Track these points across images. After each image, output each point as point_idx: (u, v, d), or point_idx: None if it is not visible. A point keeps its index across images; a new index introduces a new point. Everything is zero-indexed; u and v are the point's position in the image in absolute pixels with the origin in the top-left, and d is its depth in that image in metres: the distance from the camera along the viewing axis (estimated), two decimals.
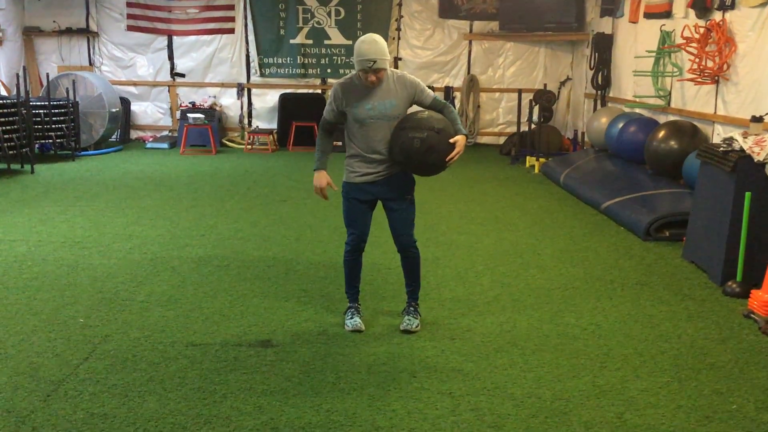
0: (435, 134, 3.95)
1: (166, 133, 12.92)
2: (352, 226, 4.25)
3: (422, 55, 12.70)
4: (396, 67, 12.69)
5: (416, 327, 4.22)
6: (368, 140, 4.09)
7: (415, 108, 4.21)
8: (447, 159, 4.00)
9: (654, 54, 8.72)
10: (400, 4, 12.58)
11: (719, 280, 5.14)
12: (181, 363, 3.75)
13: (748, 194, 4.88)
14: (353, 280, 4.38)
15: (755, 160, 4.96)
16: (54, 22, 12.51)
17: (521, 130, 11.48)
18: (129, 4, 12.53)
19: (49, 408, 3.25)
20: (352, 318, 4.29)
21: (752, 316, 4.49)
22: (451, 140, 4.00)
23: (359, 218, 4.21)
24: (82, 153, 10.99)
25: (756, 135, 5.21)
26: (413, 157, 3.96)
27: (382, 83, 4.05)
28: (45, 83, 11.01)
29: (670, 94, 8.54)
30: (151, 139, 12.60)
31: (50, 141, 10.31)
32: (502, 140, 12.70)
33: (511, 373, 3.69)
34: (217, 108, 12.60)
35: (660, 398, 3.44)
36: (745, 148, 5.06)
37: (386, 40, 12.43)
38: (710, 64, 7.28)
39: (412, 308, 4.32)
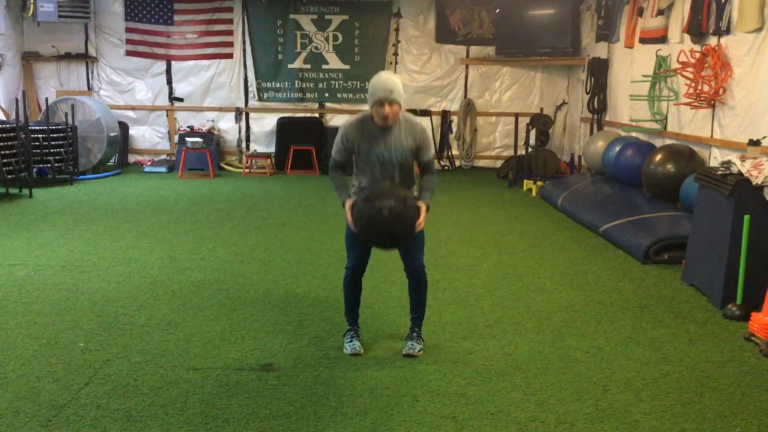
0: (401, 202, 3.90)
1: (164, 157, 12.94)
2: (353, 251, 4.25)
3: (419, 79, 12.79)
4: None
5: (418, 351, 4.21)
6: (377, 178, 4.12)
7: None
8: (416, 225, 3.94)
9: (650, 78, 8.80)
10: (397, 29, 12.70)
11: (719, 303, 5.14)
12: (182, 387, 3.73)
13: (746, 217, 4.91)
14: (353, 304, 4.37)
15: (753, 183, 4.99)
16: (53, 47, 12.57)
17: (518, 154, 11.54)
18: (128, 30, 12.61)
19: None
20: (351, 341, 4.28)
21: (753, 338, 4.50)
22: (418, 203, 4.02)
23: (360, 244, 4.21)
24: (81, 177, 11.00)
25: (754, 158, 5.25)
26: (383, 228, 3.85)
27: (393, 128, 4.08)
28: (44, 108, 11.04)
29: (666, 118, 8.60)
30: (149, 163, 12.62)
31: (48, 165, 10.32)
32: (499, 164, 12.76)
33: (514, 396, 3.68)
34: (216, 132, 12.63)
35: (664, 422, 3.44)
36: (743, 172, 5.09)
37: (383, 64, 12.65)
38: (706, 88, 7.34)
39: (415, 334, 4.31)
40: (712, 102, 7.31)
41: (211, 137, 12.17)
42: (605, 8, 10.67)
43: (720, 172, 5.29)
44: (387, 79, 4.02)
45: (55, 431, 3.25)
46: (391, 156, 4.08)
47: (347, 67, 12.78)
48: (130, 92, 12.87)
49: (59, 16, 11.74)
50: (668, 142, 8.35)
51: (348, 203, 4.05)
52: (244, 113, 12.92)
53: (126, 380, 3.81)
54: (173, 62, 12.78)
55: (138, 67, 12.77)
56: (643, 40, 9.18)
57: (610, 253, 6.85)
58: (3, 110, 11.48)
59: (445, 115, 12.78)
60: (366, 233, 3.96)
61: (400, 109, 4.05)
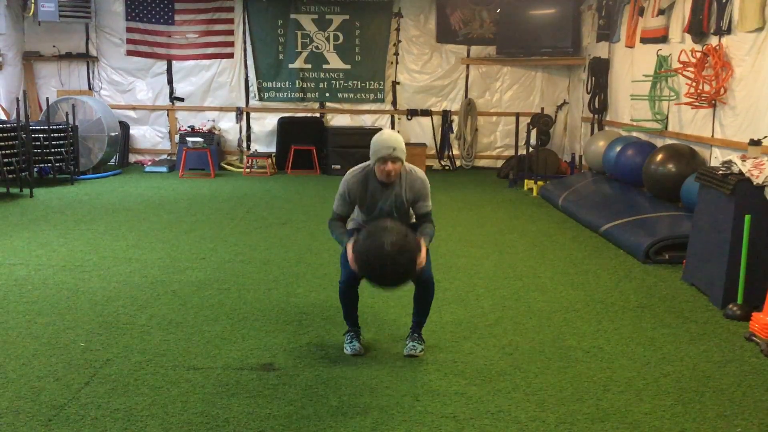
0: (402, 236, 3.88)
1: (164, 156, 12.94)
2: (346, 267, 4.15)
3: (420, 79, 12.79)
4: (394, 90, 12.79)
5: (420, 352, 4.19)
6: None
7: None
8: (417, 261, 3.90)
9: (651, 78, 8.79)
10: (398, 29, 12.69)
11: (720, 303, 5.14)
12: (183, 387, 3.73)
13: (747, 217, 4.91)
14: (350, 309, 4.32)
15: (754, 183, 4.99)
16: (54, 46, 12.57)
17: (519, 154, 11.54)
18: (128, 29, 12.62)
19: None
20: (351, 342, 4.27)
21: (754, 338, 4.49)
22: (418, 239, 3.99)
23: None
24: (81, 177, 11.00)
25: (754, 158, 5.25)
26: (386, 262, 3.80)
27: (395, 183, 4.15)
28: (44, 107, 11.04)
29: (667, 117, 8.60)
30: (149, 163, 12.63)
31: (49, 165, 10.32)
32: (499, 163, 12.76)
33: (515, 396, 3.68)
34: (216, 132, 12.64)
35: (664, 422, 3.43)
36: (744, 171, 5.08)
37: (384, 63, 12.66)
38: (707, 88, 7.34)
39: (416, 335, 4.29)
40: (713, 102, 7.30)
41: (211, 137, 12.18)
42: (606, 8, 10.67)
43: (721, 172, 5.29)
44: (389, 137, 4.12)
45: (56, 431, 3.25)
46: (392, 210, 4.23)
47: (348, 66, 12.78)
48: (131, 92, 12.87)
49: (60, 16, 11.74)
50: (669, 141, 8.35)
51: (349, 244, 4.03)
52: (244, 113, 12.91)
53: (126, 380, 3.81)
54: (174, 62, 12.77)
55: (139, 67, 12.77)
56: (643, 40, 9.18)
57: (611, 252, 6.85)
58: (4, 110, 11.48)
59: (445, 114, 12.78)
60: (369, 269, 3.90)
61: (402, 165, 4.14)
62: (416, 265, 3.90)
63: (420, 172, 4.26)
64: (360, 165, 4.27)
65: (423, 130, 12.83)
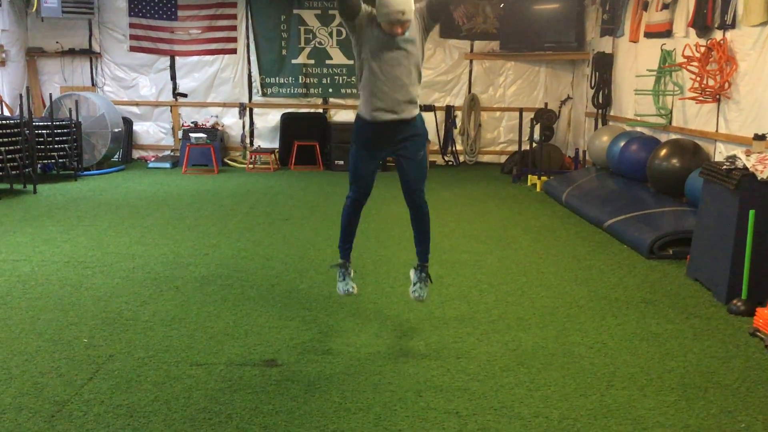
0: None
1: (168, 152, 12.95)
2: (357, 180, 4.28)
3: (423, 74, 12.61)
4: None
5: (427, 295, 4.27)
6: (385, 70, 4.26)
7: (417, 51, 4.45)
8: None
9: (655, 73, 8.77)
10: None
11: (724, 298, 5.12)
12: (186, 383, 3.73)
13: (752, 212, 4.89)
14: (349, 234, 4.41)
15: (759, 178, 4.97)
16: (57, 42, 12.57)
17: (522, 149, 11.51)
18: (132, 25, 12.61)
19: (54, 429, 3.23)
20: (344, 280, 4.30)
21: (758, 334, 4.48)
22: None
23: (366, 170, 4.27)
24: (85, 173, 11.00)
25: (759, 153, 5.23)
26: None
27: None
28: (48, 103, 11.05)
29: (671, 112, 8.57)
30: (153, 159, 12.63)
31: (53, 161, 10.33)
32: (503, 159, 12.72)
33: (518, 392, 3.68)
34: (219, 128, 12.63)
35: (668, 417, 3.43)
36: (749, 166, 5.06)
37: None
38: (711, 82, 7.31)
39: (424, 274, 4.31)
40: (717, 96, 7.28)
41: (215, 133, 12.17)
42: (610, 2, 10.63)
43: (725, 167, 5.27)
44: None
45: (59, 427, 3.25)
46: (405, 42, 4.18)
47: (351, 62, 12.72)
48: (134, 88, 12.86)
49: (63, 12, 11.75)
50: (673, 136, 8.32)
51: None
52: (247, 109, 12.91)
53: (129, 376, 3.81)
54: (177, 58, 12.76)
55: (142, 63, 12.77)
56: (647, 35, 9.15)
57: (615, 248, 6.83)
58: (7, 106, 11.50)
59: (449, 110, 12.75)
60: None
61: (410, 24, 4.09)
62: None
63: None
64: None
65: (426, 126, 12.78)
